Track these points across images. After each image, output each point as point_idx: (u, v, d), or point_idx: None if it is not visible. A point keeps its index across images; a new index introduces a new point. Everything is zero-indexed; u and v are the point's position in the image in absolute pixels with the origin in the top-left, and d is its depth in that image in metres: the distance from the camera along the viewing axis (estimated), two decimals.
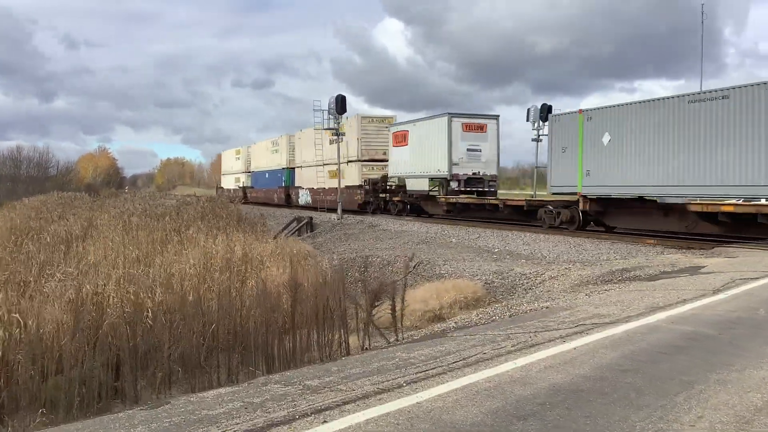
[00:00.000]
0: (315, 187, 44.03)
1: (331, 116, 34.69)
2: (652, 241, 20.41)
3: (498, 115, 32.21)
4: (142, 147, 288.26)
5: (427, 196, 33.01)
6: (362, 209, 37.52)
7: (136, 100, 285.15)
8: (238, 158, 66.81)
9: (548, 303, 9.89)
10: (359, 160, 38.40)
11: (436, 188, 32.45)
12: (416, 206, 34.37)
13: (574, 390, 4.97)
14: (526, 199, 28.10)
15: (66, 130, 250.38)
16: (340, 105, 34.06)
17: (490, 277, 17.03)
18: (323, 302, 10.16)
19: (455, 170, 30.48)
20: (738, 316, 7.69)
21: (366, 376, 5.62)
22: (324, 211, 41.46)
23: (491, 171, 31.17)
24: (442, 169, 30.72)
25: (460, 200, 30.84)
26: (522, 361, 5.87)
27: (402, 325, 10.07)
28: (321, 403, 4.85)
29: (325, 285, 11.35)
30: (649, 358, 5.92)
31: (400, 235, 27.88)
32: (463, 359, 6.06)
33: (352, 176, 38.95)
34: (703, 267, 13.22)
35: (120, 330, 9.62)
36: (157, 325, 10.13)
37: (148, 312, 10.47)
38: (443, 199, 31.18)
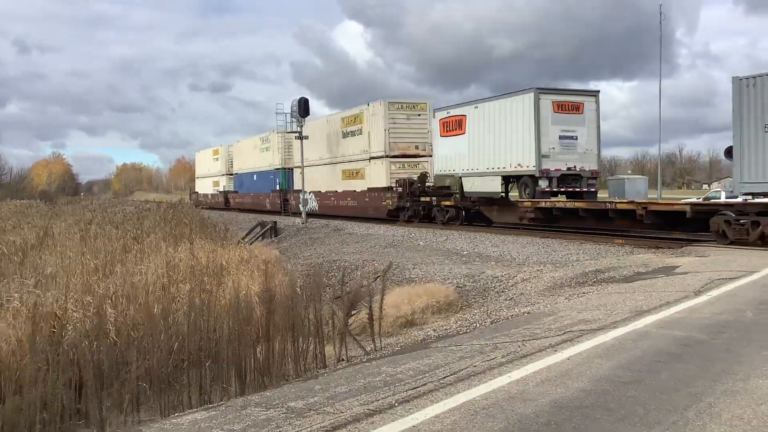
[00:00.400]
0: (324, 191, 38.33)
1: (294, 119, 34.22)
2: (621, 240, 20.39)
3: (598, 91, 24.24)
4: (98, 152, 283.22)
5: (495, 200, 25.81)
6: (393, 216, 31.53)
7: (91, 105, 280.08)
8: (217, 159, 60.02)
9: (528, 308, 9.65)
10: (387, 156, 31.75)
11: (512, 189, 25.48)
12: (475, 213, 27.41)
13: (577, 406, 4.68)
14: (690, 203, 19.34)
15: (19, 137, 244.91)
16: (303, 108, 33.63)
17: (462, 280, 16.78)
18: (298, 311, 9.77)
19: (545, 164, 22.72)
20: (726, 320, 7.52)
21: (353, 395, 5.27)
22: (333, 217, 36.97)
23: (591, 165, 23.53)
24: (525, 163, 23.00)
25: (560, 205, 22.73)
26: (516, 374, 5.57)
27: (380, 333, 9.72)
28: (308, 429, 4.49)
29: (301, 293, 10.96)
30: (646, 367, 5.68)
31: (366, 238, 27.54)
32: (454, 373, 5.74)
33: (378, 176, 32.59)
34: (677, 267, 13.14)
35: (82, 346, 9.12)
36: (121, 339, 9.64)
37: (111, 326, 9.96)
38: (528, 204, 23.12)
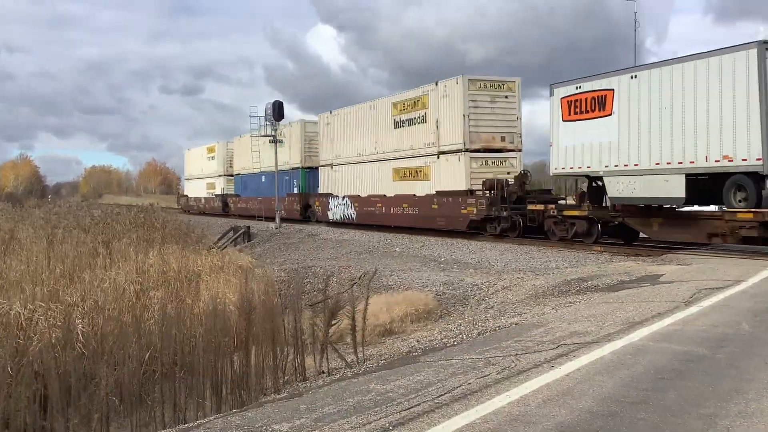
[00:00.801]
0: (365, 195, 31.90)
1: (267, 123, 33.74)
2: (599, 248, 20.23)
3: None
4: (66, 154, 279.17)
5: (660, 210, 18.69)
6: (475, 230, 25.17)
7: (59, 107, 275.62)
8: (212, 158, 52.76)
9: (516, 318, 9.34)
10: (466, 150, 24.97)
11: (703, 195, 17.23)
12: (622, 227, 20.61)
13: (586, 430, 4.36)
14: None
15: None
16: (278, 111, 33.18)
17: (441, 287, 16.49)
18: (276, 320, 9.35)
19: None
20: (723, 332, 7.27)
21: (343, 417, 4.89)
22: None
23: None
24: (739, 154, 15.35)
25: None
26: (515, 392, 5.23)
27: (363, 343, 9.34)
28: None
29: (279, 300, 10.55)
30: (651, 385, 5.38)
31: (342, 244, 27.17)
32: (449, 392, 5.39)
33: (454, 176, 25.84)
34: (661, 275, 12.95)
35: (47, 358, 8.61)
36: (89, 350, 9.15)
37: (78, 336, 9.46)
38: (746, 216, 15.28)
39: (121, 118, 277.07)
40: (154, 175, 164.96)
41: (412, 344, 9.62)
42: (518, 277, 15.85)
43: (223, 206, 49.10)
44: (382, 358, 8.91)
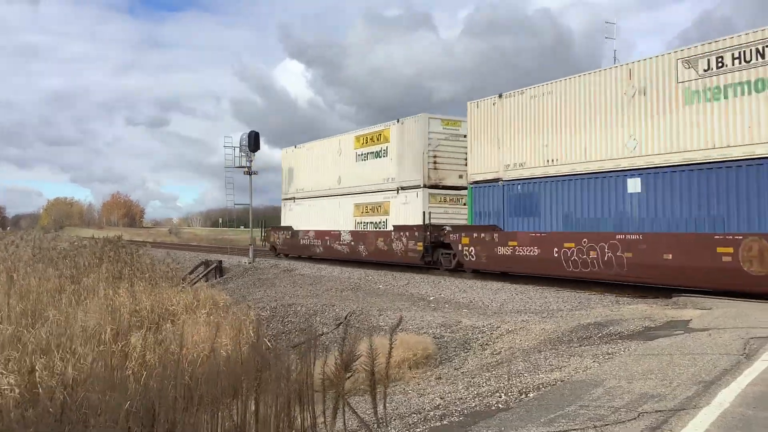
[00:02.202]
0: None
1: (242, 154, 32.44)
2: (599, 289, 19.23)
3: None
4: (27, 186, 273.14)
5: None
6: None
7: (21, 137, 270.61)
8: (378, 154, 29.07)
9: (557, 373, 8.14)
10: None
11: None
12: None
13: None
14: None
15: None
16: (254, 142, 31.96)
17: (438, 330, 15.31)
18: (279, 370, 8.02)
19: None
20: None
21: None
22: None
23: None
24: None
25: None
26: None
27: (384, 398, 8.02)
28: None
29: (274, 344, 9.23)
30: None
31: (320, 281, 25.89)
32: None
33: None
34: (688, 321, 11.92)
35: (8, 417, 7.21)
36: (55, 406, 7.73)
37: (41, 390, 8.06)
38: None
39: (85, 150, 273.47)
40: (117, 207, 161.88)
41: (436, 401, 8.36)
42: (522, 320, 14.73)
43: (430, 249, 25.38)
44: (404, 418, 7.63)
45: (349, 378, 8.26)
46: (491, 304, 18.60)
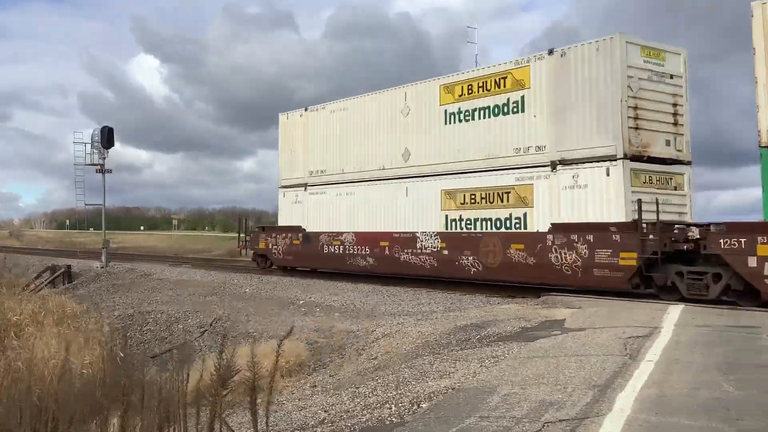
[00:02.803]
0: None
1: (95, 150, 30.32)
2: (470, 289, 19.33)
3: None
4: None
5: None
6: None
7: None
8: (517, 106, 18.52)
9: (446, 380, 7.75)
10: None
11: None
12: None
13: None
14: None
15: None
16: (107, 137, 29.94)
17: (311, 335, 14.75)
18: (151, 389, 7.16)
19: None
20: (716, 398, 6.15)
21: None
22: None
23: None
24: None
25: None
26: None
27: (267, 416, 7.33)
28: None
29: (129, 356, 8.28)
30: None
31: (182, 285, 24.58)
32: None
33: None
34: (563, 321, 12.01)
35: None
36: None
37: None
38: None
39: None
40: None
41: (319, 415, 7.78)
42: (399, 323, 14.42)
43: (658, 265, 15.26)
44: None
45: (226, 395, 7.53)
46: (363, 306, 18.27)
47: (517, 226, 18.19)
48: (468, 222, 19.54)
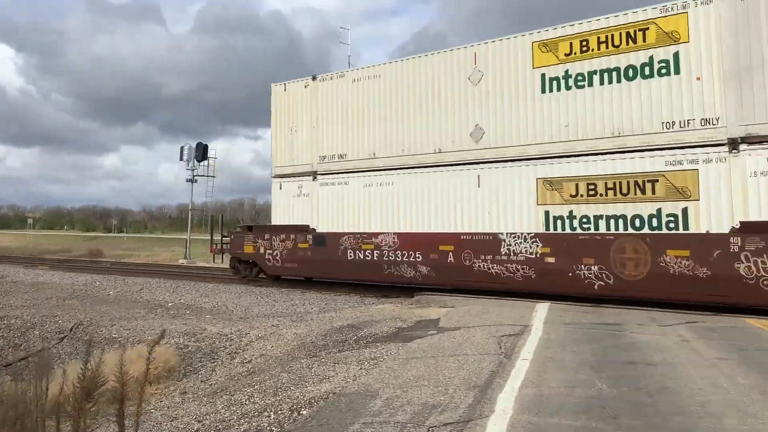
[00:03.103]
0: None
1: None
2: (344, 290, 19.27)
3: None
4: None
5: None
6: None
7: None
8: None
9: (327, 385, 7.57)
10: None
11: None
12: None
13: None
14: None
15: None
16: None
17: (181, 339, 14.21)
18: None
19: None
20: (591, 396, 6.34)
21: None
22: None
23: None
24: None
25: None
26: None
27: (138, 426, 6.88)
28: None
29: None
30: None
31: (39, 288, 23.09)
32: None
33: None
34: (438, 320, 12.16)
35: None
36: None
37: None
38: None
39: None
40: None
41: (193, 426, 7.41)
42: (273, 325, 14.14)
43: None
44: None
45: (91, 407, 7.03)
46: (236, 308, 17.83)
47: (671, 225, 14.08)
48: (584, 220, 15.28)
